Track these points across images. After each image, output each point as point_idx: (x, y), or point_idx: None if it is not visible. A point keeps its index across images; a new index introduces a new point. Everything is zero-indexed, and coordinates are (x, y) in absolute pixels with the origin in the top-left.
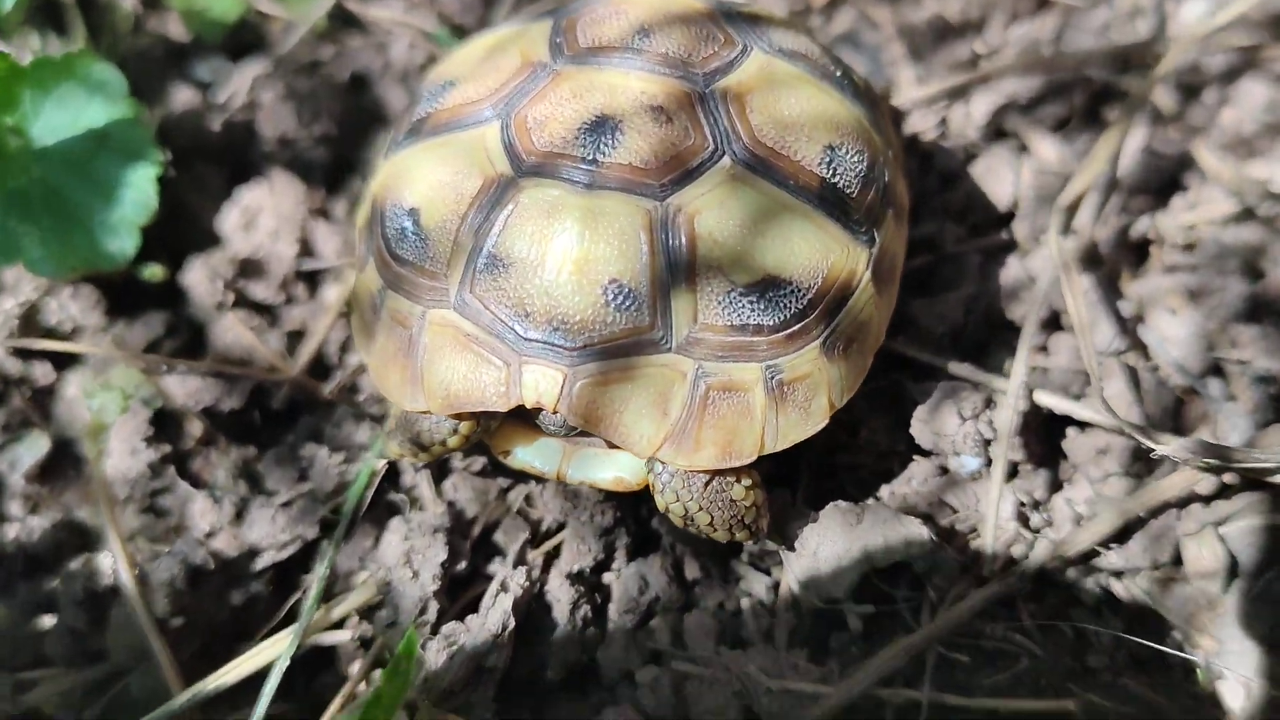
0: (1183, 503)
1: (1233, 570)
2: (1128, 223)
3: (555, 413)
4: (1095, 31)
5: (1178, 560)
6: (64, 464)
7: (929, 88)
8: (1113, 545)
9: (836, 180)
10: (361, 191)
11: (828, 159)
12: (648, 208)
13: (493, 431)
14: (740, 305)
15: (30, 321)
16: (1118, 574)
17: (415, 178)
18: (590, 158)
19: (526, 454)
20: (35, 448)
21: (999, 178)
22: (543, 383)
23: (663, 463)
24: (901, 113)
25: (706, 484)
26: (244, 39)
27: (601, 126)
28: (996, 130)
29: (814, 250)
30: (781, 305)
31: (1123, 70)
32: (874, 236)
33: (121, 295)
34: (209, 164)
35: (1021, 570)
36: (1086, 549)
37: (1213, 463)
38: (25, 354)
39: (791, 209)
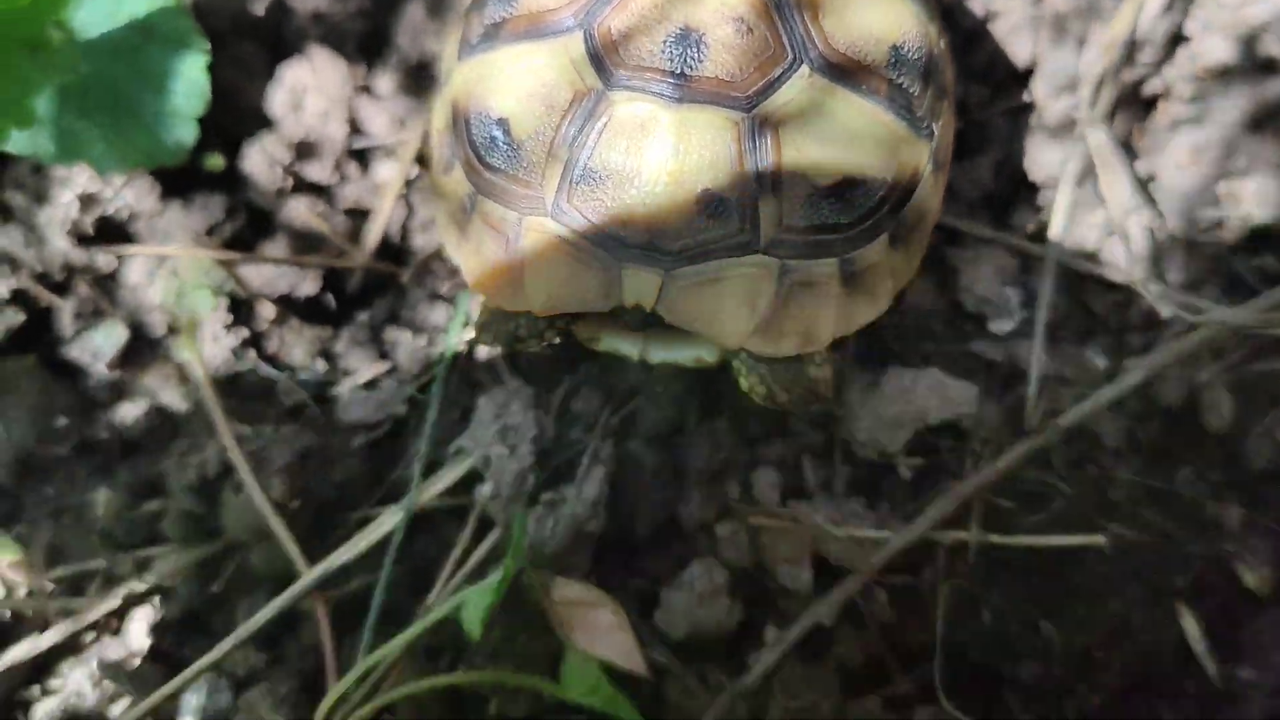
0: (1197, 357)
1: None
2: (1141, 77)
3: (651, 312)
4: None
5: (1193, 406)
6: (141, 350)
7: None
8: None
9: (901, 81)
10: (432, 90)
11: (893, 60)
12: (735, 119)
13: (577, 323)
14: (820, 207)
15: (90, 212)
16: (1139, 418)
17: (500, 86)
18: (678, 71)
19: (613, 340)
20: (113, 336)
21: (1019, 36)
22: (642, 286)
23: (746, 350)
24: None
25: (787, 367)
26: None
27: (686, 39)
28: None
29: (885, 151)
30: (857, 204)
31: None
32: (933, 129)
33: (176, 181)
34: (248, 43)
35: (1057, 423)
36: (1112, 400)
37: (1227, 322)
38: (89, 243)
39: (863, 112)
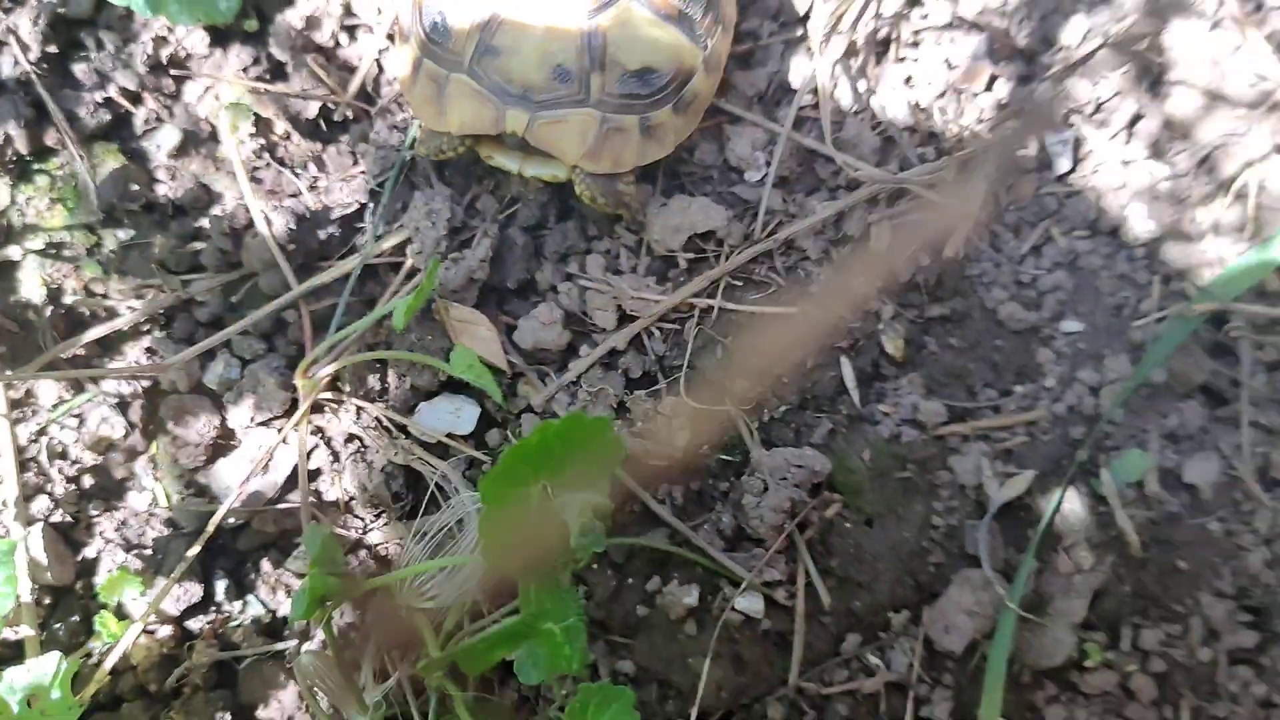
0: (872, 203)
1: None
2: (878, 27)
3: (521, 137)
4: None
5: (866, 236)
6: (189, 146)
7: None
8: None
9: (687, 9)
10: None
11: None
12: (581, 26)
13: (479, 144)
14: (629, 83)
15: (161, 49)
16: (831, 242)
17: None
18: None
19: (500, 158)
20: (171, 136)
21: None
22: (517, 121)
23: (580, 168)
24: None
25: (607, 182)
26: None
27: None
28: None
29: (671, 53)
30: (651, 83)
31: None
32: (708, 44)
33: (222, 34)
34: None
35: (776, 236)
36: (812, 226)
37: (890, 181)
38: (158, 70)
39: (661, 26)
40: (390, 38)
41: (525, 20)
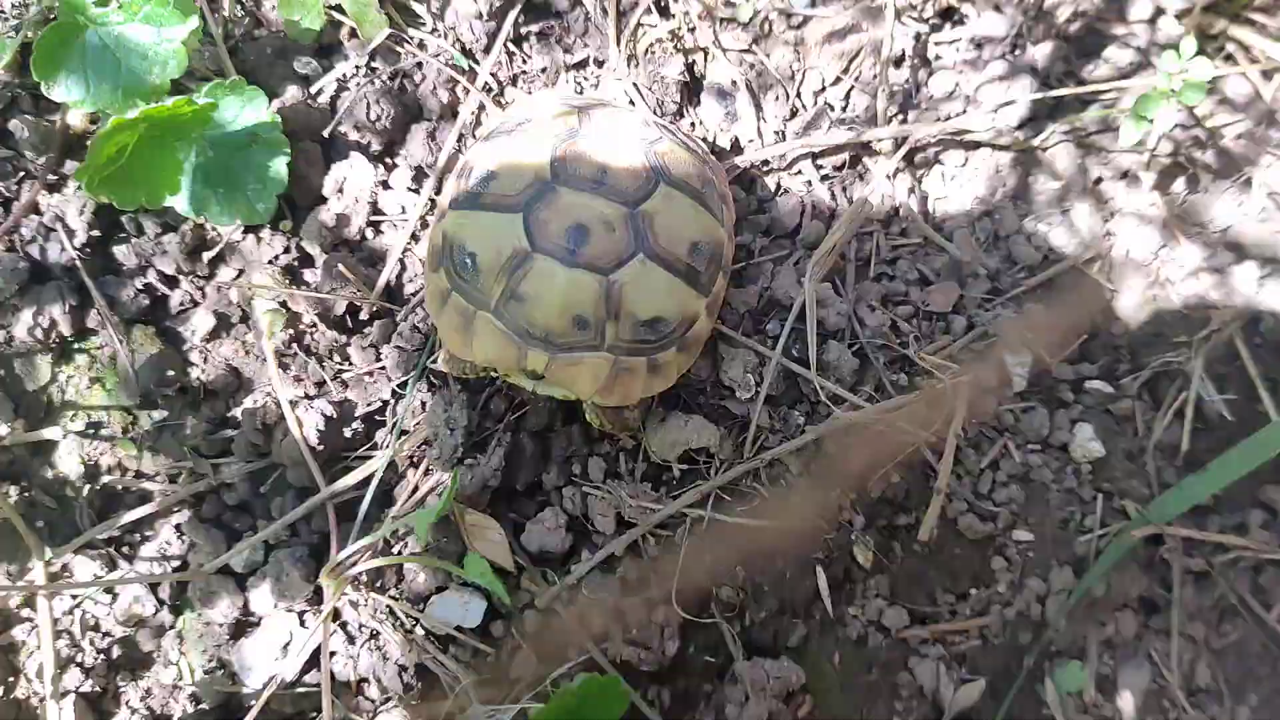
0: (846, 430)
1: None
2: (860, 246)
3: (540, 377)
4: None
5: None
6: (220, 330)
7: (762, 148)
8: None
9: (694, 263)
10: (424, 188)
11: (692, 250)
12: (600, 279)
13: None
14: (639, 330)
15: (198, 240)
16: (810, 457)
17: (474, 234)
18: (571, 248)
19: (517, 379)
20: (205, 320)
21: (792, 208)
22: (537, 360)
23: (593, 402)
24: (743, 167)
25: (614, 411)
26: (327, 42)
27: (579, 230)
28: (797, 172)
29: (678, 304)
30: (660, 330)
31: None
32: (710, 290)
33: (257, 229)
34: (312, 145)
35: (762, 455)
36: (795, 448)
37: (860, 411)
38: (194, 258)
39: (670, 280)
40: (414, 237)
41: (550, 270)
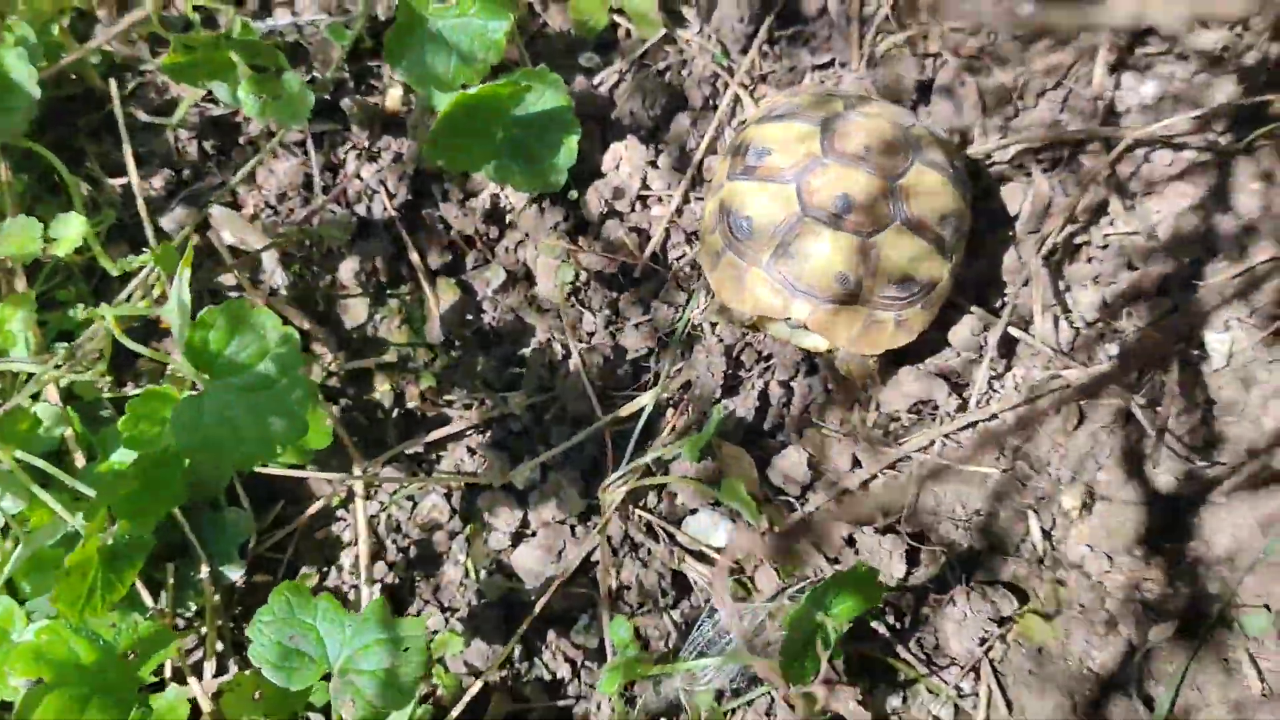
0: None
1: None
2: (1075, 231)
3: (803, 325)
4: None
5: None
6: (509, 285)
7: (988, 141)
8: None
9: (942, 231)
10: (689, 166)
11: (939, 220)
12: (861, 241)
13: (760, 319)
14: (891, 289)
15: (494, 205)
16: (1027, 416)
17: (750, 201)
18: (837, 213)
19: (775, 329)
20: (498, 275)
21: (1014, 197)
22: (801, 310)
23: (843, 350)
24: (971, 157)
25: (860, 359)
26: (605, 39)
27: (845, 200)
28: (1019, 164)
29: (926, 265)
30: (909, 289)
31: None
32: (953, 257)
33: (544, 198)
34: (593, 123)
35: (983, 409)
36: (1006, 405)
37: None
38: (490, 221)
39: (920, 245)
40: (678, 211)
41: (817, 232)
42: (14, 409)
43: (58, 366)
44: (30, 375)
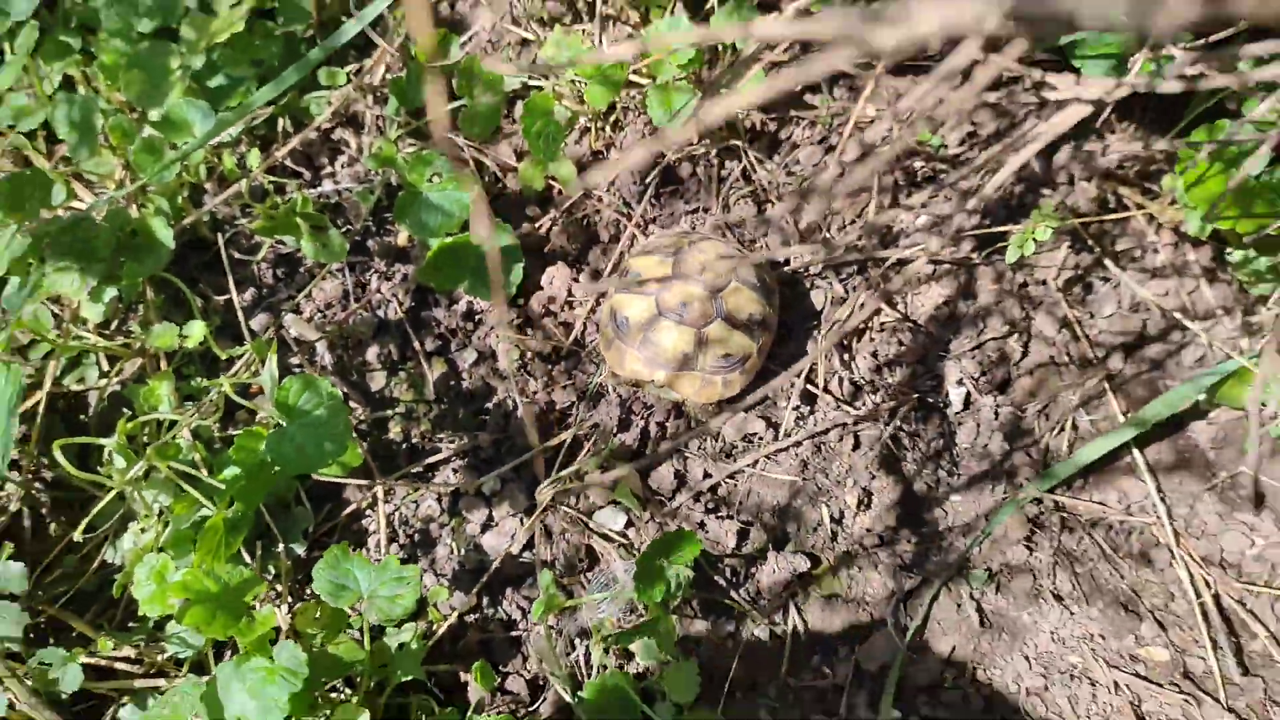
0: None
1: None
2: (860, 320)
3: (663, 385)
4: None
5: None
6: (480, 362)
7: (803, 259)
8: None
9: (751, 325)
10: (597, 285)
11: (748, 319)
12: (695, 331)
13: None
14: (717, 360)
15: (470, 311)
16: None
17: (628, 307)
18: (679, 314)
19: (649, 388)
20: (471, 355)
21: (819, 298)
22: (660, 375)
23: (690, 400)
24: (788, 270)
25: (703, 406)
26: (544, 195)
27: (683, 306)
28: (823, 275)
29: (741, 346)
30: (729, 361)
31: None
32: (760, 341)
33: (511, 304)
34: (534, 254)
35: (791, 437)
36: (805, 435)
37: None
38: (465, 318)
39: (736, 334)
40: (592, 310)
41: (666, 327)
42: (164, 443)
43: (189, 416)
44: (173, 422)
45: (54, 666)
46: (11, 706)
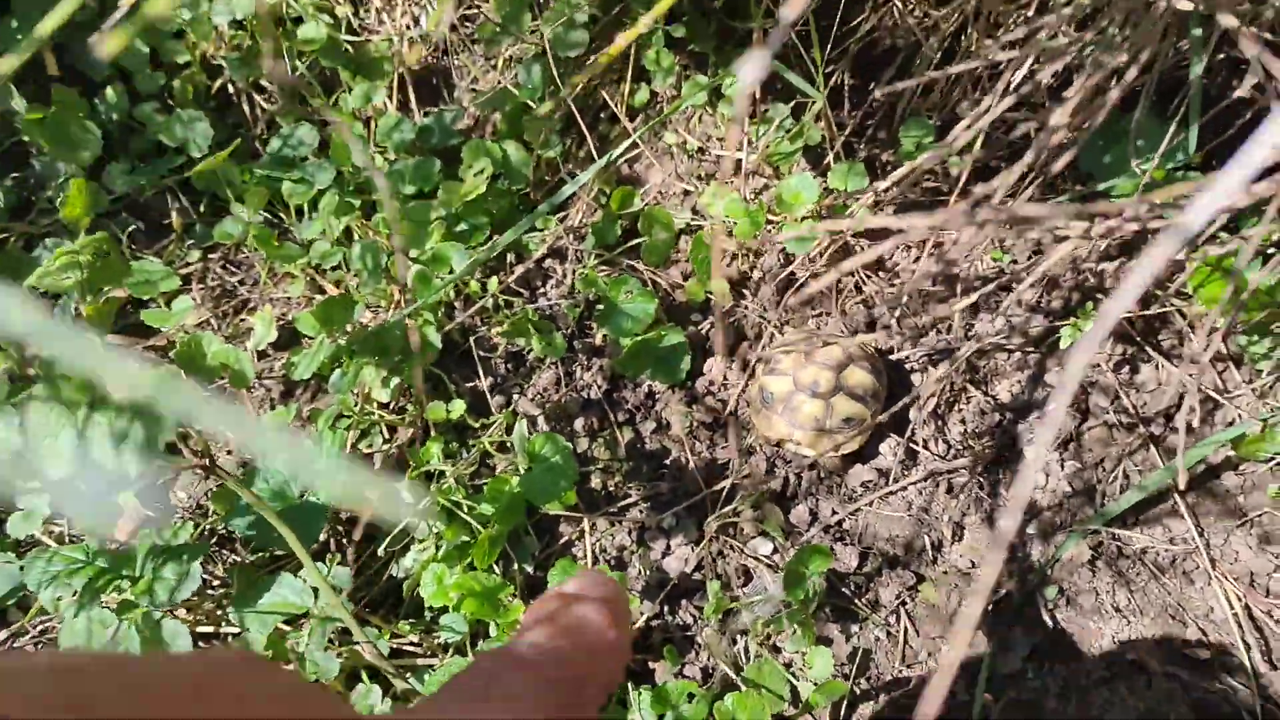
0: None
1: None
2: (949, 397)
3: (800, 444)
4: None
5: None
6: (659, 430)
7: (905, 351)
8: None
9: (867, 398)
10: (746, 369)
11: (864, 393)
12: (825, 403)
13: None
14: (842, 424)
15: (651, 392)
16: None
17: (772, 385)
18: (813, 390)
19: (789, 446)
20: (651, 424)
21: (917, 379)
22: (799, 436)
23: (822, 454)
24: (892, 359)
25: (832, 459)
26: (705, 305)
27: (815, 383)
28: (922, 363)
29: (860, 414)
30: (852, 425)
31: None
32: (873, 409)
33: (676, 386)
34: (699, 348)
35: (897, 485)
36: (908, 482)
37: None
38: (648, 397)
39: (856, 405)
40: (744, 396)
41: (801, 403)
42: (439, 486)
43: (455, 468)
44: (443, 472)
45: (376, 640)
46: (349, 661)
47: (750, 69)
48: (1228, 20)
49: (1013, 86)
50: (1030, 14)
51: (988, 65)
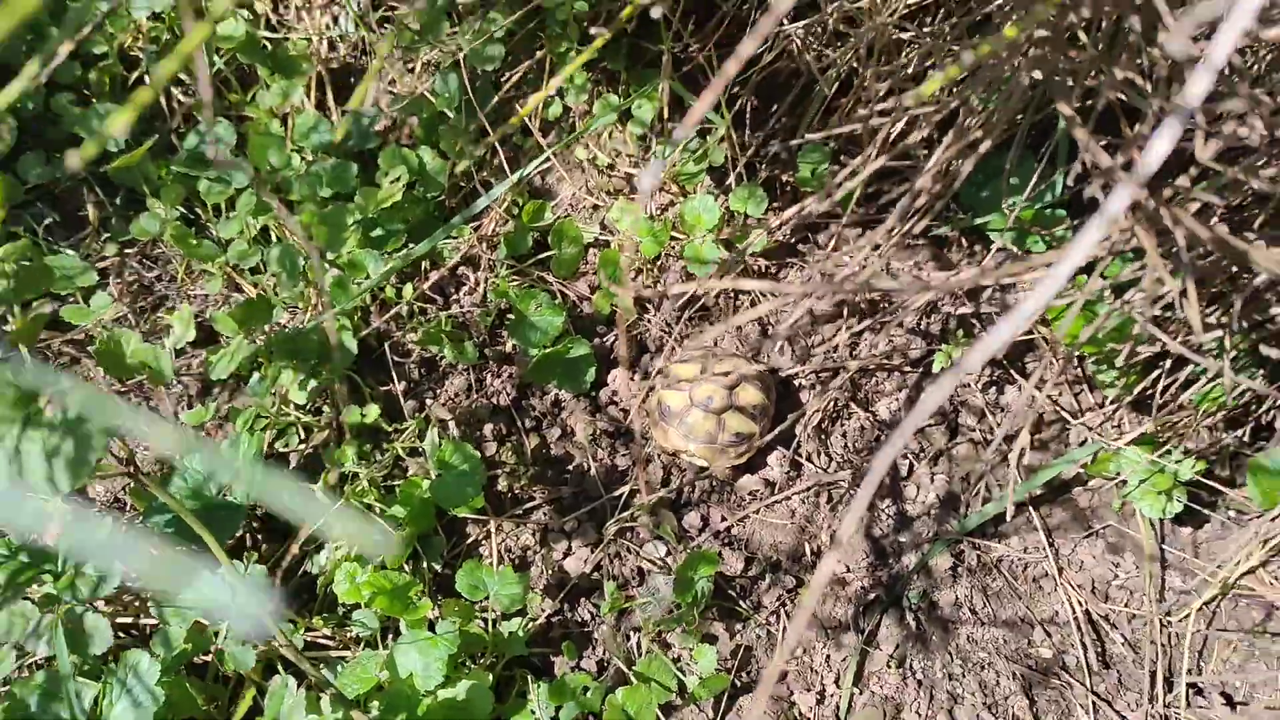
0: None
1: None
2: (835, 412)
3: (694, 454)
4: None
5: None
6: (564, 437)
7: (794, 369)
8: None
9: (756, 413)
10: (647, 381)
11: (754, 408)
12: (717, 417)
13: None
14: (732, 438)
15: (557, 400)
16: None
17: (669, 399)
18: (705, 405)
19: (684, 457)
20: (557, 431)
21: (805, 396)
22: (692, 448)
23: (714, 465)
24: (783, 376)
25: (723, 469)
26: (610, 317)
27: (709, 399)
28: (810, 381)
29: (749, 428)
30: (741, 438)
31: None
32: (762, 424)
33: (581, 396)
34: (603, 359)
35: (784, 494)
36: (798, 490)
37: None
38: (554, 405)
39: (745, 419)
40: (644, 407)
41: (696, 418)
42: (352, 488)
43: (368, 470)
44: (356, 474)
45: (291, 635)
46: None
47: (648, 176)
48: (1064, 109)
49: (889, 141)
50: (909, 71)
51: (871, 115)
